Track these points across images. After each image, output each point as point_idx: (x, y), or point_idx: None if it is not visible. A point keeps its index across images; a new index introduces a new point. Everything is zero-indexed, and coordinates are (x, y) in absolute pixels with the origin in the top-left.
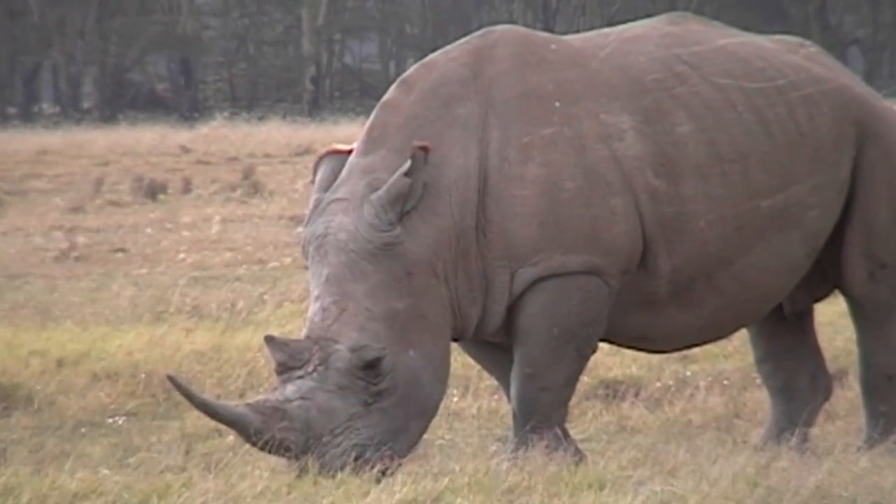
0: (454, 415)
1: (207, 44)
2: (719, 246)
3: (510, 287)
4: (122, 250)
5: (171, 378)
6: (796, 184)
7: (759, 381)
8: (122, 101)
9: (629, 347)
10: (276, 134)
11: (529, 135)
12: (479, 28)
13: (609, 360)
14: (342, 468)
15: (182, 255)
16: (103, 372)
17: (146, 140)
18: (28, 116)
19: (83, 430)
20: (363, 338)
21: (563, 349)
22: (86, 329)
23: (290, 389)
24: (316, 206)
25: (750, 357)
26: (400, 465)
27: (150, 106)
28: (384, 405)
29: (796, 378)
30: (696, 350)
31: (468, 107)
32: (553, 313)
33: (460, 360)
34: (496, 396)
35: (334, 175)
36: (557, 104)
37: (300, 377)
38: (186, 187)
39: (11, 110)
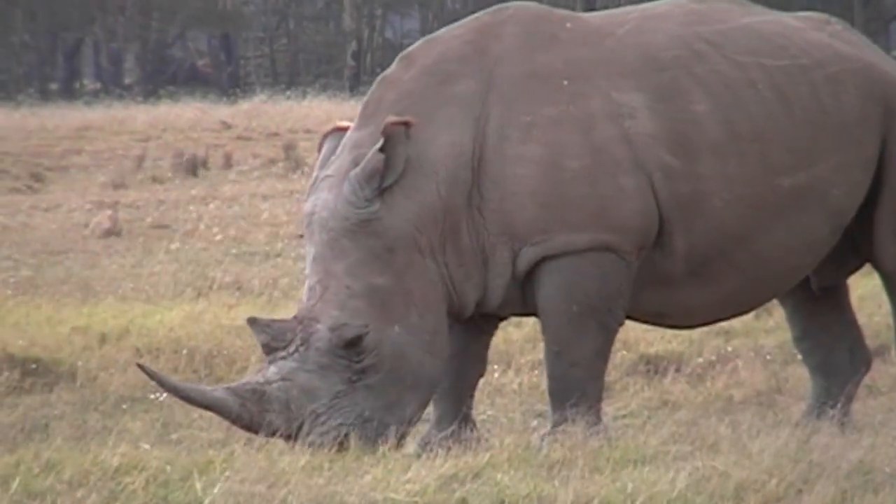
0: (495, 390)
1: (248, 19)
2: (737, 224)
3: (513, 264)
4: (164, 226)
5: (139, 365)
6: (819, 162)
7: (800, 356)
8: (163, 77)
9: (648, 323)
10: (316, 109)
11: (532, 114)
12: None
13: (650, 336)
14: (328, 446)
15: (223, 231)
16: (145, 348)
17: (187, 116)
18: (69, 92)
19: (125, 405)
20: (343, 316)
21: (585, 324)
22: (127, 305)
23: (272, 371)
24: (313, 184)
25: None
26: (403, 436)
27: (191, 82)
28: (370, 381)
29: (834, 354)
30: (737, 325)
31: (467, 84)
32: (571, 291)
33: (501, 336)
34: (537, 372)
35: (334, 152)
36: (566, 82)
37: (283, 358)
38: (227, 163)
39: (53, 86)
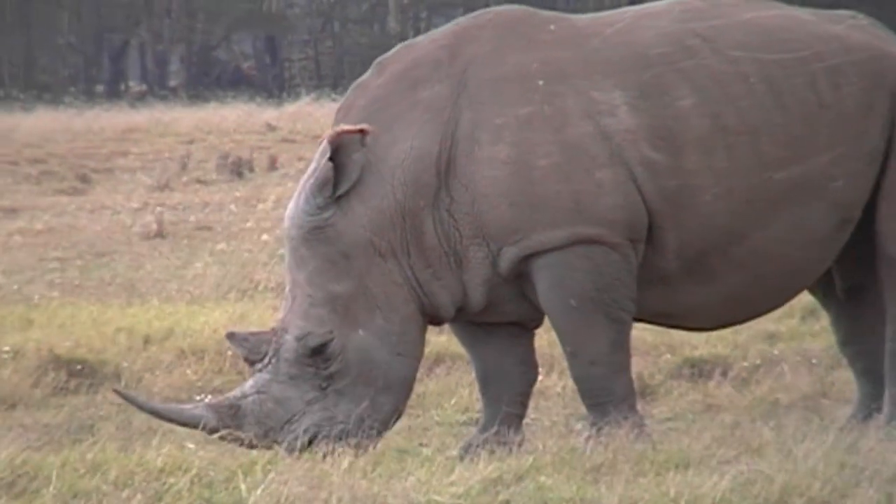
0: (539, 393)
1: (293, 22)
2: (729, 219)
3: (492, 264)
4: (208, 228)
5: (116, 390)
6: (816, 155)
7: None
8: (208, 80)
9: (659, 325)
10: None
11: (503, 116)
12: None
13: (695, 339)
14: (302, 449)
15: (267, 233)
16: (189, 349)
17: (232, 118)
18: (115, 94)
19: None
20: (308, 325)
21: (590, 318)
22: (172, 306)
23: (249, 384)
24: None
25: None
26: (379, 436)
27: (236, 84)
28: (339, 387)
29: (880, 358)
30: (782, 328)
31: (435, 89)
32: (563, 286)
33: (546, 339)
34: None
35: None
36: (541, 83)
37: (259, 370)
38: (272, 165)
39: (99, 88)
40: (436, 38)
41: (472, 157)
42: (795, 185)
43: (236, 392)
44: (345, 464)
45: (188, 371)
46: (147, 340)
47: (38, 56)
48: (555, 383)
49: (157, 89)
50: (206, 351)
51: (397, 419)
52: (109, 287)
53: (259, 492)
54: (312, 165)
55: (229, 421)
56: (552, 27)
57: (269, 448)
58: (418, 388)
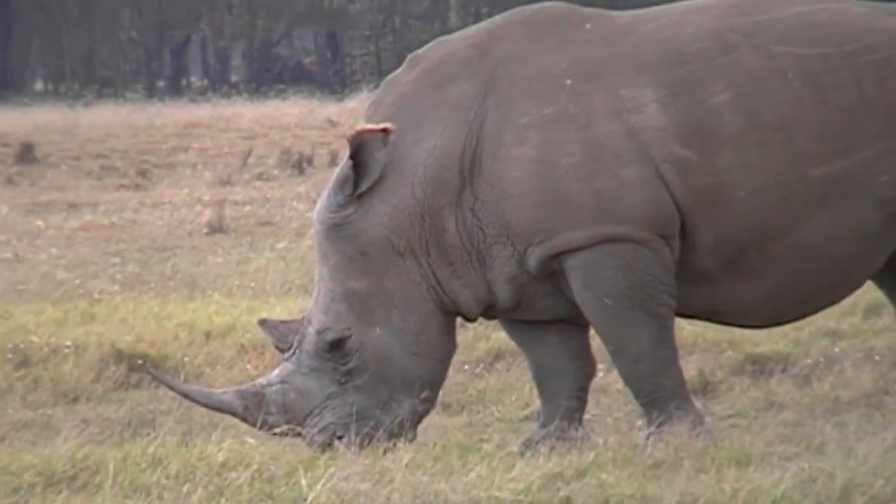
0: (600, 390)
1: (354, 17)
2: (765, 216)
3: (518, 263)
4: (269, 223)
5: (149, 371)
6: (859, 150)
7: None
8: (269, 75)
9: (710, 322)
10: None
11: (528, 115)
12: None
13: (757, 336)
14: (321, 446)
15: None
16: (250, 344)
17: (293, 113)
18: (176, 90)
19: None
20: (327, 319)
21: (627, 315)
22: (233, 301)
23: (275, 373)
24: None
25: None
26: (410, 433)
27: (297, 79)
28: (358, 383)
29: None
30: (845, 326)
31: (463, 87)
32: (596, 285)
33: None
34: None
35: None
36: (569, 82)
37: (286, 360)
38: (333, 161)
39: (160, 84)
40: (468, 35)
41: (498, 156)
42: (836, 181)
43: (262, 380)
44: (406, 459)
45: (249, 366)
46: (208, 335)
47: (100, 52)
48: (615, 379)
49: (219, 85)
50: (266, 346)
51: (422, 417)
52: (170, 282)
53: (319, 487)
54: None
55: (254, 408)
56: (588, 25)
57: (291, 436)
58: (478, 385)
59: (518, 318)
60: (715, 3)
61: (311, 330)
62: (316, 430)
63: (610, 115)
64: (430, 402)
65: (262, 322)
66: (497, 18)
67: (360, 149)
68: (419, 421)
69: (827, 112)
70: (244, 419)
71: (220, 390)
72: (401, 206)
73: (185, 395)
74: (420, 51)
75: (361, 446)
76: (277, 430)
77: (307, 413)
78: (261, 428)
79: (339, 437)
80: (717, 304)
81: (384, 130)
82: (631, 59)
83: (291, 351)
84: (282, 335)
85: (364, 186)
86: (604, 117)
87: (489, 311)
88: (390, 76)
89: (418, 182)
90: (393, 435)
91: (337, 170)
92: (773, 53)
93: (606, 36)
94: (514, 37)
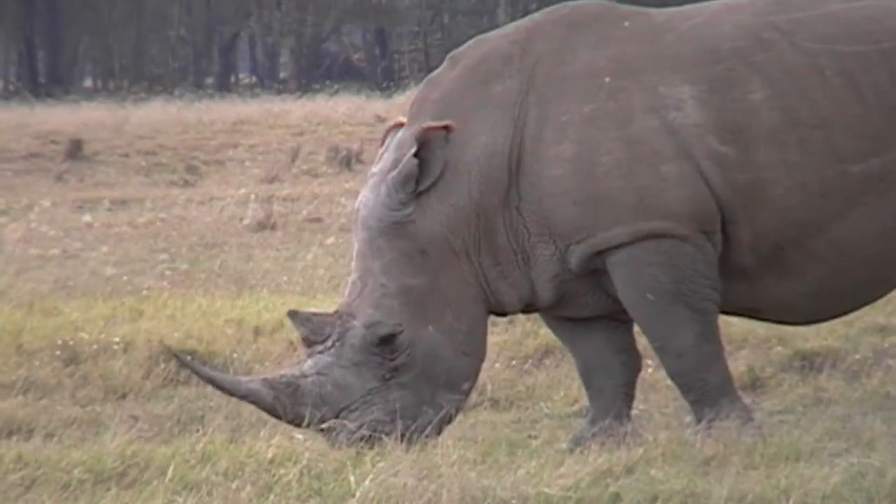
0: (649, 386)
1: (402, 14)
2: (803, 213)
3: (560, 261)
4: (318, 220)
5: (177, 356)
6: (895, 148)
7: None
8: (317, 71)
9: (753, 318)
10: None
11: (568, 113)
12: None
13: (806, 332)
14: (358, 442)
15: None
16: (299, 341)
17: (342, 110)
18: (225, 86)
19: None
20: (378, 314)
21: (670, 311)
22: (282, 298)
23: (308, 364)
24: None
25: None
26: (439, 432)
27: (346, 76)
28: (403, 380)
29: None
30: (894, 322)
31: (506, 85)
32: (639, 282)
33: None
34: None
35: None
36: (607, 79)
37: (320, 352)
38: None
39: (209, 80)
40: (508, 32)
41: (538, 155)
42: (874, 178)
43: (294, 370)
44: (454, 456)
45: None
46: (257, 332)
47: (149, 49)
48: (664, 376)
49: (267, 81)
50: None
51: (453, 418)
52: (219, 278)
53: (367, 483)
54: (387, 156)
55: (285, 399)
56: (626, 23)
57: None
58: (527, 381)
59: (558, 315)
60: (753, 1)
61: (357, 323)
62: (356, 424)
63: (649, 112)
64: (463, 402)
65: (293, 314)
66: (536, 16)
67: (424, 146)
68: (450, 421)
69: (865, 109)
70: (270, 409)
71: (246, 378)
72: (459, 205)
73: (212, 382)
74: (460, 49)
75: (407, 443)
76: (324, 425)
77: (343, 407)
78: (290, 420)
79: (382, 434)
80: (756, 301)
81: (446, 128)
82: (669, 57)
83: (329, 344)
84: (316, 327)
85: (425, 185)
86: (642, 114)
87: (528, 308)
88: (431, 74)
89: (475, 181)
90: (429, 434)
91: (380, 164)
92: (810, 51)
93: (645, 33)
94: (553, 34)
